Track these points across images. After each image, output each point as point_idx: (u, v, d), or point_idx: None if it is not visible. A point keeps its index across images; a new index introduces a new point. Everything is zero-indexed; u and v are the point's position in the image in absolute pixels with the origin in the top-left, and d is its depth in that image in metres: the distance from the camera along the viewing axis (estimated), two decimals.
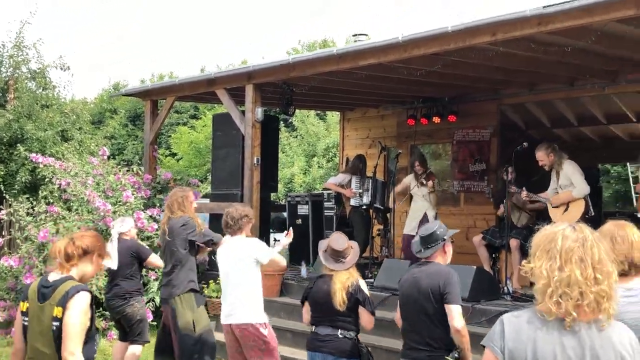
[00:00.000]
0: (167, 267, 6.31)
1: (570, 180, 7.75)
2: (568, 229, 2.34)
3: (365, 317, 4.87)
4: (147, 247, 7.17)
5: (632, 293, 2.99)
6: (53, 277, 3.70)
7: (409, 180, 9.38)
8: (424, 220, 8.83)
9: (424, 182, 9.09)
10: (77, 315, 3.54)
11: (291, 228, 6.13)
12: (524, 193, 7.98)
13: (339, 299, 4.76)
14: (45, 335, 3.58)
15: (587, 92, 9.81)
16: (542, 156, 7.90)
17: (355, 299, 4.81)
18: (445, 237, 4.53)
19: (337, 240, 4.96)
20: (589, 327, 2.24)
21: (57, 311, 3.54)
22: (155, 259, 6.72)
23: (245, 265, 5.50)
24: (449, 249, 4.61)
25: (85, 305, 3.57)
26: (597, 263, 2.26)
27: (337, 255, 4.91)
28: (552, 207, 7.82)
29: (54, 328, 3.55)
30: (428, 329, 4.38)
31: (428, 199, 9.07)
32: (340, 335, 4.82)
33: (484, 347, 2.38)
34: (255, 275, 5.54)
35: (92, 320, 3.65)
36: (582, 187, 7.70)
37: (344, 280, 4.83)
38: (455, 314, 4.32)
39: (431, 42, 6.89)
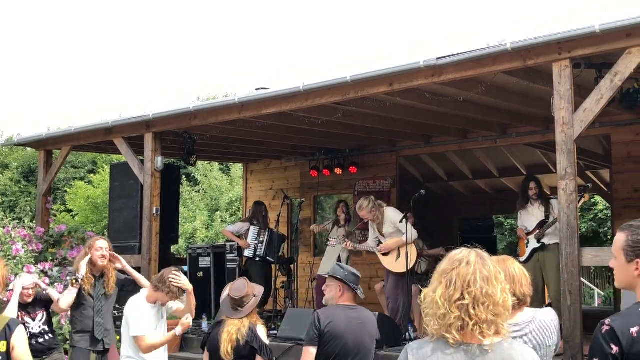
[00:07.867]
0: None
1: (396, 227, 7.75)
2: (457, 252, 2.34)
3: None
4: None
5: (517, 328, 3.01)
6: None
7: (329, 226, 9.65)
8: (338, 261, 8.88)
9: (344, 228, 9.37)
10: None
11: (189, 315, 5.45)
12: (348, 243, 8.11)
13: (224, 350, 4.54)
14: None
15: (479, 145, 10.27)
16: (366, 214, 7.88)
17: (250, 347, 4.57)
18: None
19: (237, 288, 4.78)
20: (484, 349, 2.23)
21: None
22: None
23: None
24: None
25: None
26: (468, 286, 2.23)
27: (234, 303, 4.71)
28: (382, 255, 7.83)
29: None
30: None
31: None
32: None
33: None
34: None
35: None
36: (413, 233, 7.64)
37: (231, 330, 4.59)
38: None
39: (331, 91, 7.02)
